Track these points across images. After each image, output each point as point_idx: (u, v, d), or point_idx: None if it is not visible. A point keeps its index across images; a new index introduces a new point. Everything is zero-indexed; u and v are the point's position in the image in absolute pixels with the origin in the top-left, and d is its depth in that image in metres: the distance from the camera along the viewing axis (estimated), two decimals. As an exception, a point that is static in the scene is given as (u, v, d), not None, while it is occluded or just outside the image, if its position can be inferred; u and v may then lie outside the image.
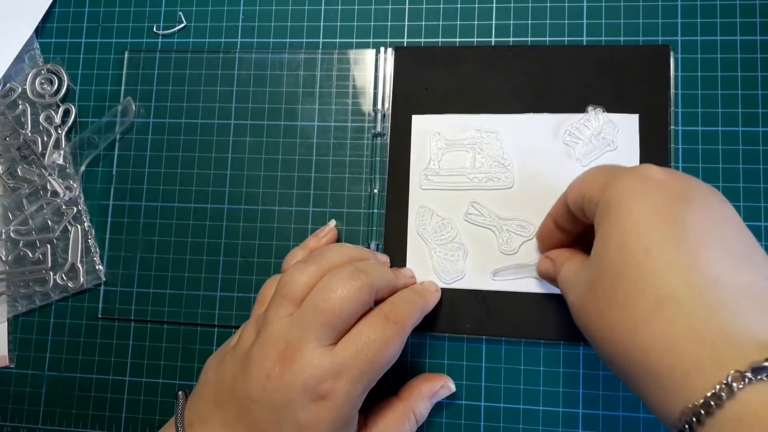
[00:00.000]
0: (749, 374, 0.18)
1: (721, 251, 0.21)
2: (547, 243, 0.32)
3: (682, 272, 0.21)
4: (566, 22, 0.37)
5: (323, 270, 0.29)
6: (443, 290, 0.34)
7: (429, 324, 0.34)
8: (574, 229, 0.30)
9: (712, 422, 0.18)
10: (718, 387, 0.18)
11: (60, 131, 0.39)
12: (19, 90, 0.40)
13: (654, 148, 0.34)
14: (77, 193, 0.39)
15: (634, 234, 0.22)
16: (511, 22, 0.37)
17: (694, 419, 0.19)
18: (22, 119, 0.40)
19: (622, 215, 0.23)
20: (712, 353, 0.19)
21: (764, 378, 0.18)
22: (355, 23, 0.39)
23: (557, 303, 0.33)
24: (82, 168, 0.39)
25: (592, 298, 0.24)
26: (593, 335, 0.24)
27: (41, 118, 0.40)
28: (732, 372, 0.18)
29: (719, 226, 0.22)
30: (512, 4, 0.37)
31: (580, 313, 0.25)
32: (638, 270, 0.21)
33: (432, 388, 0.33)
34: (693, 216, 0.22)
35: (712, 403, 0.18)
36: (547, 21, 0.37)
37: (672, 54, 0.35)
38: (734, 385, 0.18)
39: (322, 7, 0.39)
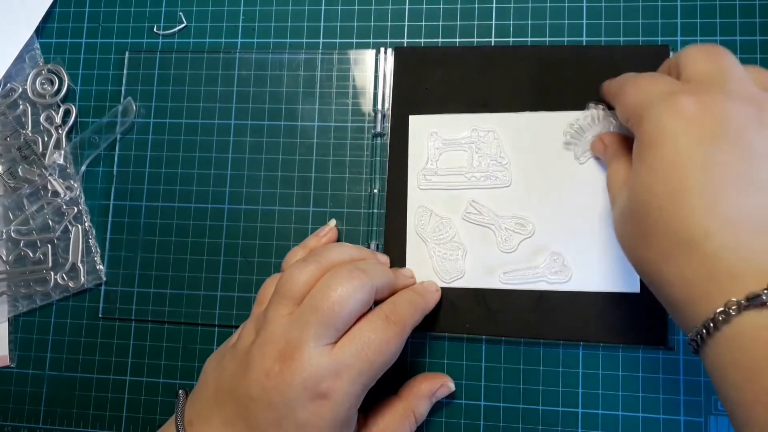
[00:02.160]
0: (743, 302, 0.21)
1: (745, 189, 0.22)
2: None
3: (701, 217, 0.22)
4: (566, 22, 0.37)
5: (323, 269, 0.29)
6: (443, 290, 0.34)
7: (429, 323, 0.34)
8: None
9: (712, 341, 0.22)
10: (716, 313, 0.21)
11: (60, 131, 0.40)
12: (20, 90, 0.40)
13: (653, 148, 0.34)
14: (78, 193, 0.39)
15: (661, 178, 0.23)
16: (511, 22, 0.37)
17: (699, 338, 0.22)
18: (23, 119, 0.40)
19: (652, 158, 0.24)
20: (719, 289, 0.22)
21: (758, 305, 0.20)
22: (355, 23, 0.39)
23: (557, 303, 0.33)
24: (83, 168, 0.39)
25: (623, 229, 0.26)
26: (629, 259, 0.26)
27: (42, 118, 0.40)
28: (730, 301, 0.21)
29: (746, 161, 0.23)
30: (512, 5, 0.37)
31: (617, 234, 0.27)
32: (660, 214, 0.23)
33: (432, 388, 0.33)
34: (719, 155, 0.23)
35: (712, 325, 0.21)
36: (547, 21, 0.37)
37: (672, 54, 0.35)
38: (731, 311, 0.21)
39: (323, 8, 0.39)
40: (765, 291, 0.20)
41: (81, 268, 0.38)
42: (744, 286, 0.21)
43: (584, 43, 0.36)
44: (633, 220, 0.25)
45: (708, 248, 0.22)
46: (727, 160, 0.23)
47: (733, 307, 0.21)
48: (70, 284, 0.38)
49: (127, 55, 0.40)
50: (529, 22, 0.37)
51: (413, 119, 0.36)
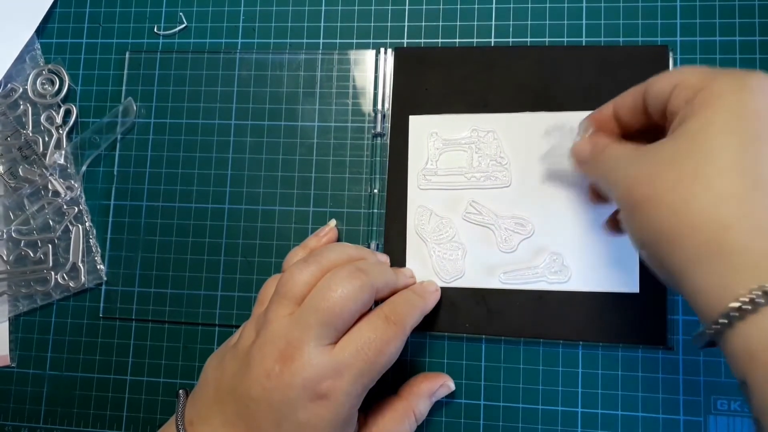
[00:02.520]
0: None
1: None
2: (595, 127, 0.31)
3: None
4: (565, 22, 0.37)
5: (323, 269, 0.29)
6: (443, 289, 0.34)
7: (429, 323, 0.34)
8: (632, 122, 0.28)
9: (761, 315, 0.19)
10: None
11: (61, 131, 0.40)
12: (21, 90, 0.40)
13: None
14: (78, 193, 0.39)
15: (746, 120, 0.22)
16: (511, 22, 0.37)
17: (761, 298, 0.19)
18: (24, 119, 0.40)
19: (734, 103, 0.22)
20: None
21: None
22: (356, 24, 0.39)
23: (557, 302, 0.33)
24: (83, 168, 0.39)
25: (671, 168, 0.23)
26: (655, 209, 0.23)
27: (42, 119, 0.40)
28: None
29: None
30: (512, 5, 0.37)
31: (641, 184, 0.24)
32: (743, 151, 0.21)
33: (432, 387, 0.33)
34: None
35: None
36: (547, 22, 0.37)
37: (671, 54, 0.35)
38: None
39: (323, 8, 0.39)
40: None
41: (81, 267, 0.38)
42: None
43: (584, 44, 0.36)
44: (690, 161, 0.22)
45: None
46: None
47: None
48: (71, 284, 0.38)
49: (127, 55, 0.40)
50: (529, 22, 0.37)
51: (413, 119, 0.36)
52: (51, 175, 0.39)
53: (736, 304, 0.20)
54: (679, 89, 0.25)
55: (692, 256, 0.22)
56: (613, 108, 0.29)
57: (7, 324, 0.39)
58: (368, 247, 0.36)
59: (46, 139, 0.40)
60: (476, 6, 0.38)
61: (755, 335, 0.20)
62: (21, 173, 0.39)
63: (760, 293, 0.19)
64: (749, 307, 0.20)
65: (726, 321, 0.20)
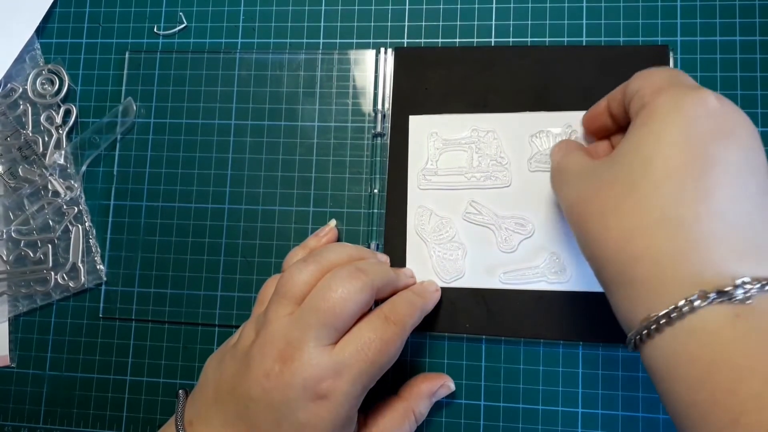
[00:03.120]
0: (713, 295, 0.21)
1: (737, 192, 0.22)
2: (590, 124, 0.31)
3: (694, 201, 0.22)
4: (566, 22, 0.37)
5: (323, 269, 0.29)
6: (443, 289, 0.34)
7: (429, 323, 0.34)
8: (620, 116, 0.29)
9: (670, 332, 0.22)
10: (682, 302, 0.21)
11: (61, 131, 0.40)
12: (20, 90, 0.40)
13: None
14: (78, 193, 0.39)
15: (664, 154, 0.23)
16: (511, 22, 0.37)
17: (653, 326, 0.22)
18: (23, 119, 0.40)
19: (661, 131, 0.23)
20: (691, 276, 0.21)
21: (724, 301, 0.21)
22: (356, 24, 0.39)
23: (557, 302, 0.33)
24: (83, 168, 0.39)
25: (598, 197, 0.25)
26: (585, 231, 0.25)
27: (42, 119, 0.40)
28: (698, 292, 0.21)
29: (745, 168, 0.23)
30: (512, 5, 0.37)
31: (577, 206, 0.26)
32: (654, 188, 0.23)
33: (432, 388, 0.33)
34: (725, 152, 0.22)
35: (674, 315, 0.21)
36: (547, 21, 0.37)
37: (671, 54, 0.35)
38: (697, 303, 0.21)
39: (323, 8, 0.39)
40: (744, 286, 0.20)
41: (81, 268, 0.38)
42: (721, 283, 0.21)
43: (584, 44, 0.36)
44: (614, 190, 0.24)
45: (693, 234, 0.22)
46: (731, 159, 0.22)
47: (702, 299, 0.21)
48: (71, 284, 0.38)
49: (127, 55, 0.40)
50: (529, 22, 0.37)
51: (413, 119, 0.36)
52: (51, 175, 0.39)
53: (639, 328, 0.22)
54: (638, 96, 0.25)
55: (608, 281, 0.24)
56: (606, 101, 0.30)
57: (6, 324, 0.39)
58: (368, 247, 0.36)
59: (46, 139, 0.40)
60: (476, 6, 0.38)
61: (656, 356, 0.22)
62: (21, 173, 0.39)
63: (652, 320, 0.22)
64: (646, 332, 0.22)
65: (632, 342, 0.23)
